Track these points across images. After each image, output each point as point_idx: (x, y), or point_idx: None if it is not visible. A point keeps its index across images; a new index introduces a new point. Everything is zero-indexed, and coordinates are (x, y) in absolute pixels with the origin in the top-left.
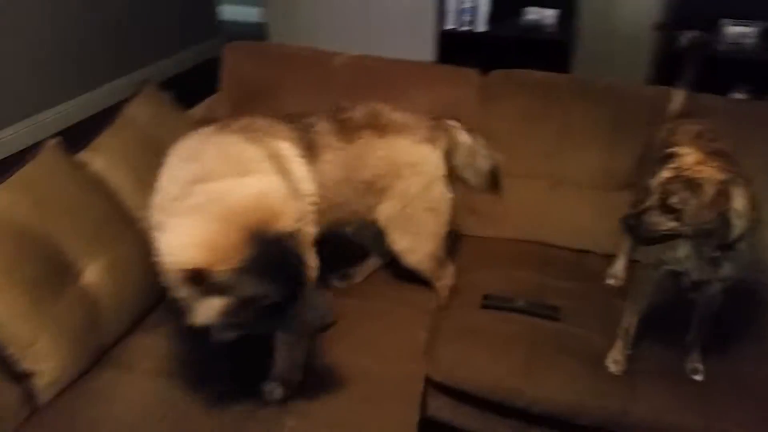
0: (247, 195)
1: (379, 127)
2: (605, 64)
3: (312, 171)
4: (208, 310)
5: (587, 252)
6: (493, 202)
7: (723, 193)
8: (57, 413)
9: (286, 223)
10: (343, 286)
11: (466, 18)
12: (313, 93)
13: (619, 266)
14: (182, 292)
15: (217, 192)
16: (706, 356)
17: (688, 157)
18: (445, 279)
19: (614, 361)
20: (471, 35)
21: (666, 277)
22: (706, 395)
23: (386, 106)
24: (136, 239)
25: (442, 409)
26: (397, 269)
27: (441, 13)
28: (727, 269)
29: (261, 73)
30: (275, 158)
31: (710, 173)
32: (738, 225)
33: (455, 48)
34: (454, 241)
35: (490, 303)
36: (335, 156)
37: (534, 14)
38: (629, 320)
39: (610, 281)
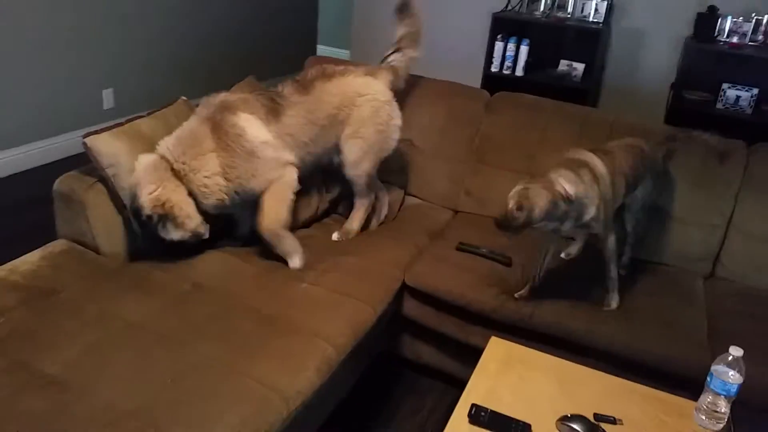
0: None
1: (327, 76)
2: (625, 111)
3: (274, 127)
4: None
5: None
6: (484, 189)
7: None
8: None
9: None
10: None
11: (509, 64)
12: None
13: (573, 248)
14: None
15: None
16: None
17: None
18: (364, 206)
19: (519, 294)
20: (510, 78)
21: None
22: (593, 313)
23: (329, 64)
24: None
25: (411, 309)
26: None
27: (489, 58)
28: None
29: None
30: (233, 128)
31: (537, 190)
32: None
33: (496, 88)
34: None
35: (462, 247)
36: (297, 108)
37: (565, 66)
38: (535, 270)
39: (562, 256)
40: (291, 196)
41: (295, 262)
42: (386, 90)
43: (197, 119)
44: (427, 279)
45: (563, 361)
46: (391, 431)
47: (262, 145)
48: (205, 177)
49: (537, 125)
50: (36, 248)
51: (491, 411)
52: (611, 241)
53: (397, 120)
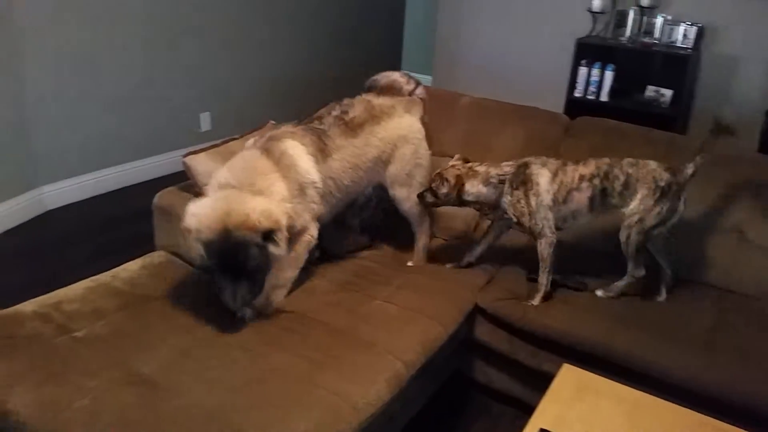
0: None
1: (375, 117)
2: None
3: (321, 167)
4: None
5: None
6: None
7: (458, 181)
8: None
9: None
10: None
11: (593, 89)
12: (444, 121)
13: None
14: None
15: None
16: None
17: (451, 162)
18: (424, 233)
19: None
20: (595, 104)
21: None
22: (674, 345)
23: (371, 95)
24: None
25: (483, 332)
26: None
27: (572, 83)
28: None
29: None
30: (283, 156)
31: (452, 171)
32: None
33: (580, 113)
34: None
35: (533, 276)
36: (343, 152)
37: (653, 92)
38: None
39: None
40: (303, 262)
41: (248, 314)
42: (421, 127)
43: (245, 149)
44: (500, 303)
45: (637, 391)
46: None
47: (311, 184)
48: (278, 200)
49: (619, 150)
50: (137, 258)
51: None
52: (542, 243)
53: (428, 151)
